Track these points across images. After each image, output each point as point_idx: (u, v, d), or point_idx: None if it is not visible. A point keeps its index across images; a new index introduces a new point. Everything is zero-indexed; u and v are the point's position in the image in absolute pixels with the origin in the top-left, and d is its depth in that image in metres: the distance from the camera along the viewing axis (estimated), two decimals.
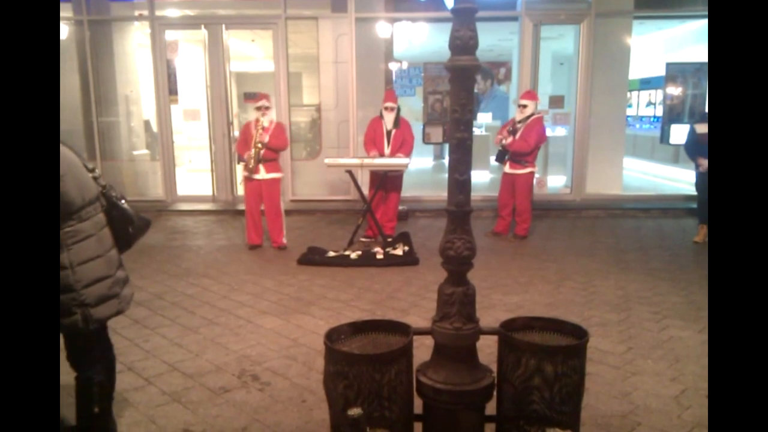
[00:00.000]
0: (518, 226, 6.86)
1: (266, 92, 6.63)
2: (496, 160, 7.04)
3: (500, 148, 6.81)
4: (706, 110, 7.37)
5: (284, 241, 6.43)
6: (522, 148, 6.56)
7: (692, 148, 6.53)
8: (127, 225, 2.47)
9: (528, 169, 6.71)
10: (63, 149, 2.19)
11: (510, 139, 6.62)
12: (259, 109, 6.14)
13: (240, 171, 6.86)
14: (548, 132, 9.22)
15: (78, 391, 2.39)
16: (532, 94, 6.90)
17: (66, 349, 2.36)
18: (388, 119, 6.60)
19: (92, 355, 2.40)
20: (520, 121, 6.66)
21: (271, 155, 6.18)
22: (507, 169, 6.81)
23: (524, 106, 6.65)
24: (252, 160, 6.07)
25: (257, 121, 6.15)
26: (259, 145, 6.06)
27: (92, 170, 2.38)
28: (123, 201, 2.48)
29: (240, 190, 9.01)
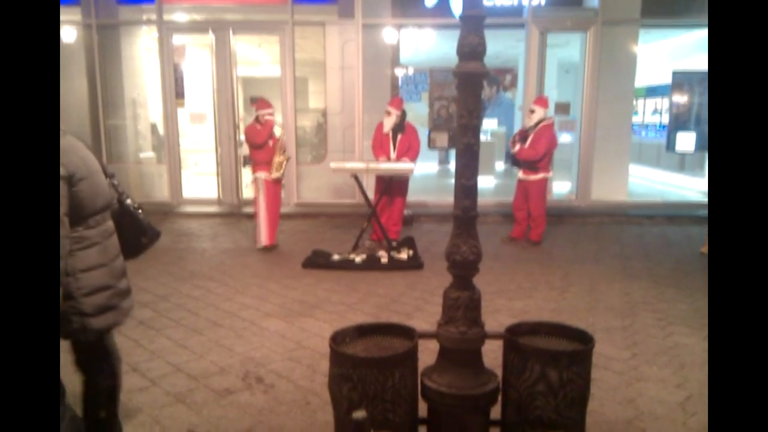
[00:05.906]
0: (532, 231, 6.86)
1: (271, 96, 6.75)
2: (513, 164, 7.17)
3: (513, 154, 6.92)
4: None
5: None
6: (531, 156, 6.58)
7: None
8: (140, 235, 2.43)
9: (541, 175, 6.71)
10: (87, 153, 2.18)
11: (518, 147, 6.63)
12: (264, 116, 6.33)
13: (249, 174, 7.05)
14: None
15: (84, 395, 2.38)
16: (543, 101, 6.80)
17: (74, 353, 2.36)
18: (386, 123, 6.63)
19: (98, 360, 2.38)
20: (529, 128, 6.66)
21: None
22: (520, 175, 6.84)
23: (532, 112, 6.65)
24: (281, 168, 6.42)
25: (263, 124, 6.30)
26: (288, 155, 6.50)
27: (111, 176, 2.34)
28: (139, 210, 2.45)
29: (246, 193, 9.07)
